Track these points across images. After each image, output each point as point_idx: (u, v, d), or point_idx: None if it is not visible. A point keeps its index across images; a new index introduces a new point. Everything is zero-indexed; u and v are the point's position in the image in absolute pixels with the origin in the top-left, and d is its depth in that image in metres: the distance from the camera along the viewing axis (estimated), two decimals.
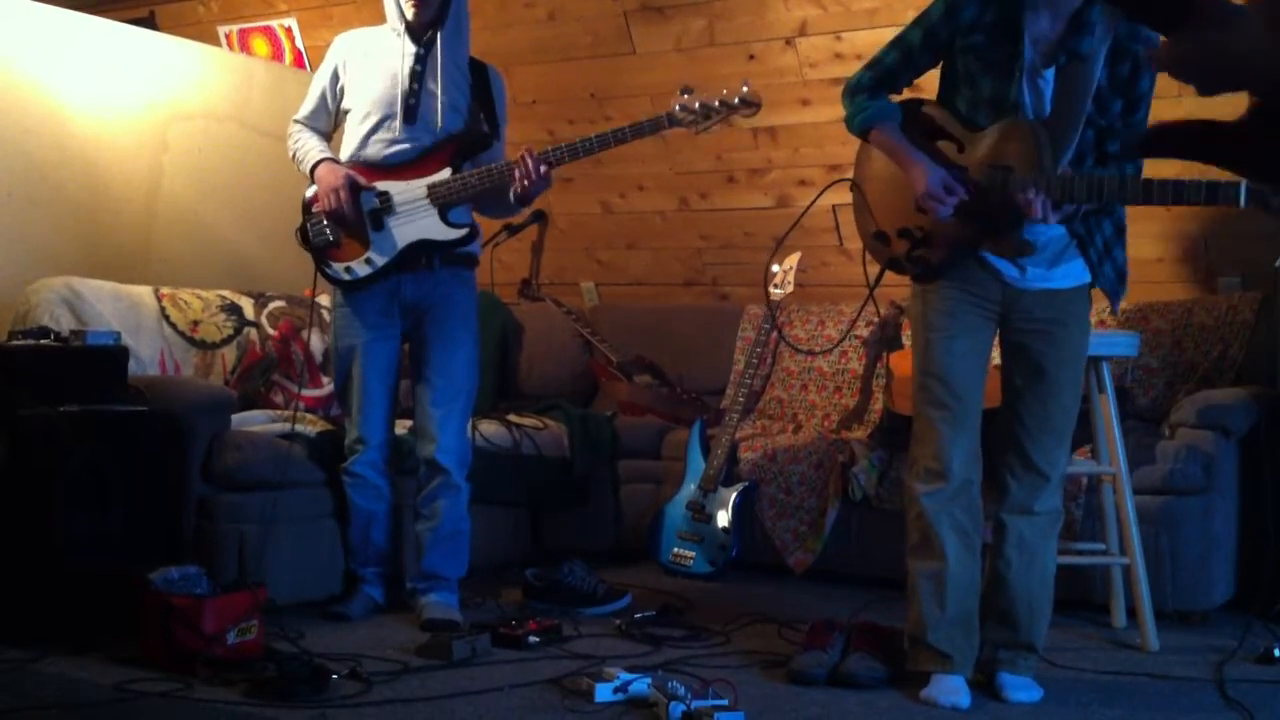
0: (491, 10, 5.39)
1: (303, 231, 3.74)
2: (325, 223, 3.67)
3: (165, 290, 4.39)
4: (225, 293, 4.55)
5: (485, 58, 3.84)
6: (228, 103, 4.98)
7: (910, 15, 3.12)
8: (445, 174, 3.60)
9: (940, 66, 3.00)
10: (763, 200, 5.41)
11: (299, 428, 3.88)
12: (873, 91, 2.99)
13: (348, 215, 3.61)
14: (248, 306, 4.53)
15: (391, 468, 3.84)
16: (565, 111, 5.58)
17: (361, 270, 3.65)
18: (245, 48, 6.15)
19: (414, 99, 3.61)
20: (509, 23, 5.41)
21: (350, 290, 3.69)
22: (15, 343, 3.57)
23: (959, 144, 2.91)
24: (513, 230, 5.67)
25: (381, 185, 3.63)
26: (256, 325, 4.50)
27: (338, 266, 3.68)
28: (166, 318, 4.29)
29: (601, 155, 5.53)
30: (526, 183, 3.51)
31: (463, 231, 3.64)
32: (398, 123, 3.61)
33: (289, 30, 6.03)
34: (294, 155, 3.78)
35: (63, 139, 4.47)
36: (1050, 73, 2.84)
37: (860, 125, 3.00)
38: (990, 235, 2.88)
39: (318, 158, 3.68)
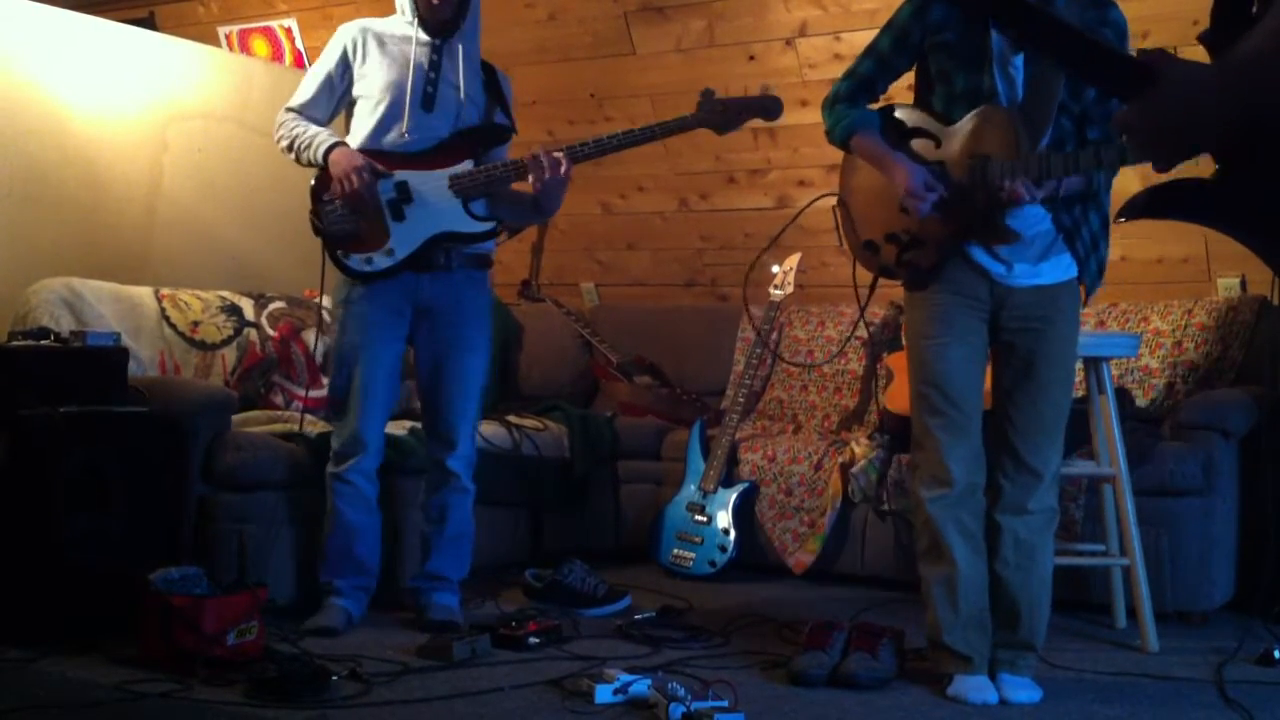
0: (491, 10, 5.34)
1: (316, 219, 3.57)
2: (341, 210, 3.52)
3: (165, 291, 4.39)
4: (225, 293, 4.55)
5: (485, 57, 3.83)
6: (227, 103, 4.98)
7: None
8: (468, 165, 3.53)
9: (914, 68, 3.03)
10: (763, 201, 5.41)
11: (297, 428, 3.88)
12: (850, 101, 3.04)
13: (366, 202, 3.48)
14: (248, 307, 4.53)
15: (381, 475, 3.72)
16: (565, 112, 5.58)
17: (383, 261, 3.51)
18: (245, 48, 6.15)
19: (432, 88, 3.54)
20: (509, 23, 5.41)
21: (366, 284, 3.55)
22: (15, 343, 3.57)
23: (935, 140, 2.93)
24: (513, 231, 5.67)
25: (399, 175, 3.52)
26: (257, 326, 4.49)
27: (357, 257, 3.53)
28: (167, 319, 4.29)
29: (602, 156, 5.57)
30: (539, 183, 3.44)
31: (489, 225, 3.56)
32: (415, 112, 3.52)
33: (289, 31, 6.03)
34: (292, 144, 3.58)
35: (63, 139, 4.47)
36: (1020, 60, 2.86)
37: (840, 135, 3.03)
38: (975, 227, 2.89)
39: (331, 142, 3.53)
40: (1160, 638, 3.49)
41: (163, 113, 4.81)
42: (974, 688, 2.93)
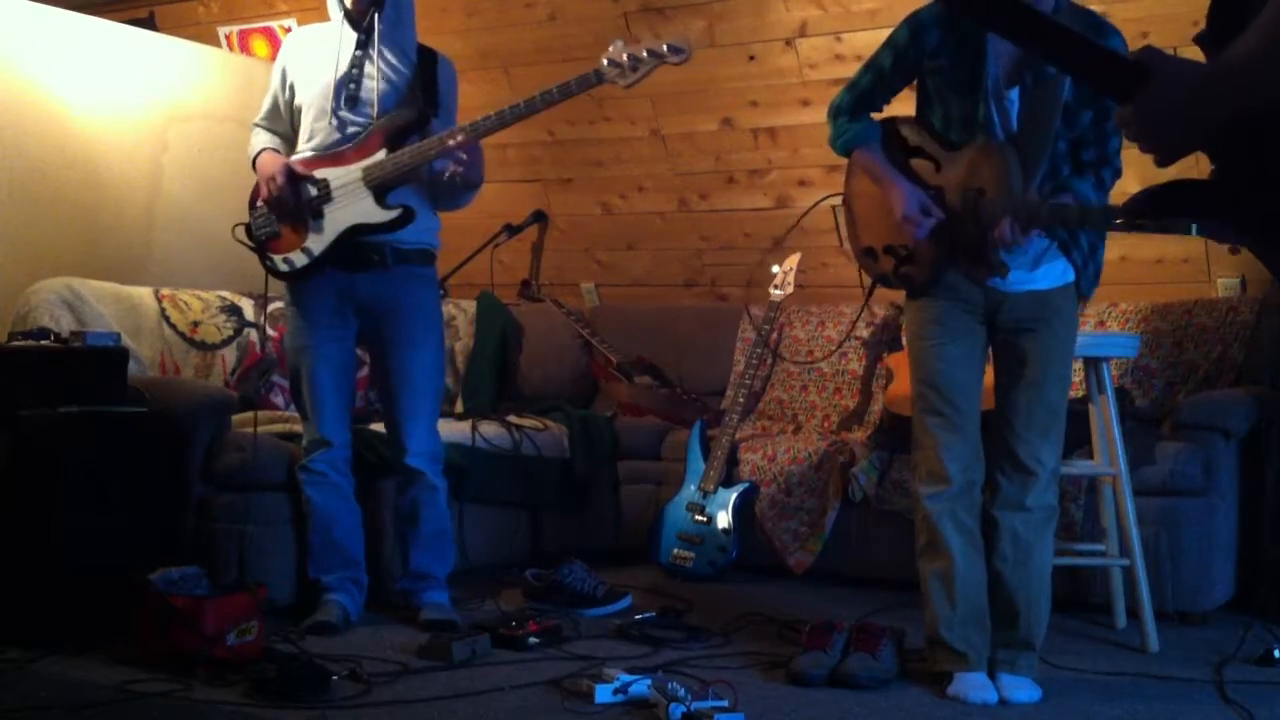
0: (491, 10, 5.39)
1: (247, 226, 3.67)
2: (267, 215, 3.60)
3: (165, 291, 4.39)
4: (225, 294, 4.55)
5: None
6: (228, 103, 4.99)
7: None
8: (380, 155, 3.53)
9: (916, 83, 3.06)
10: (763, 201, 5.41)
11: (298, 428, 3.88)
12: (853, 113, 3.09)
13: (287, 203, 3.54)
14: (248, 307, 4.53)
15: (352, 467, 3.73)
16: (565, 112, 5.56)
17: (299, 260, 3.56)
18: (245, 48, 6.15)
19: (354, 84, 3.56)
20: (509, 23, 5.41)
21: (294, 282, 3.61)
22: (15, 343, 3.57)
23: (936, 163, 2.97)
24: (513, 231, 5.67)
25: (321, 173, 3.55)
26: (256, 326, 4.50)
27: (276, 259, 3.60)
28: (166, 319, 4.29)
29: (602, 156, 5.59)
30: (456, 167, 3.45)
31: (396, 212, 3.52)
32: (340, 110, 3.56)
33: (289, 31, 6.02)
34: (250, 157, 3.72)
35: (63, 139, 4.47)
36: (1015, 93, 2.89)
37: (843, 147, 3.10)
38: (966, 257, 2.92)
39: (258, 149, 3.64)
40: (1160, 638, 3.49)
41: (163, 113, 4.81)
42: (974, 687, 2.94)
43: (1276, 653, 3.30)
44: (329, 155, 3.57)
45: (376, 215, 3.53)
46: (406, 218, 3.54)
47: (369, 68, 3.58)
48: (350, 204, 3.53)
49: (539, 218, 5.81)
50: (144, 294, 4.31)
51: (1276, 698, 3.00)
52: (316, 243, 3.56)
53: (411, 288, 3.65)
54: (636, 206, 5.70)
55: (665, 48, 3.35)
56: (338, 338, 3.64)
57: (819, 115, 5.10)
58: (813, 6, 4.86)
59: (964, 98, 2.90)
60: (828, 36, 4.90)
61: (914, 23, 2.97)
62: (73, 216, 4.49)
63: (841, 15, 4.83)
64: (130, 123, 4.70)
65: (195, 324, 4.35)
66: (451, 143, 3.42)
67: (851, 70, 3.19)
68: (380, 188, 3.52)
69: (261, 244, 3.64)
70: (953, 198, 2.91)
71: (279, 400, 4.38)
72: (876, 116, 3.11)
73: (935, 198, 2.93)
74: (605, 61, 3.38)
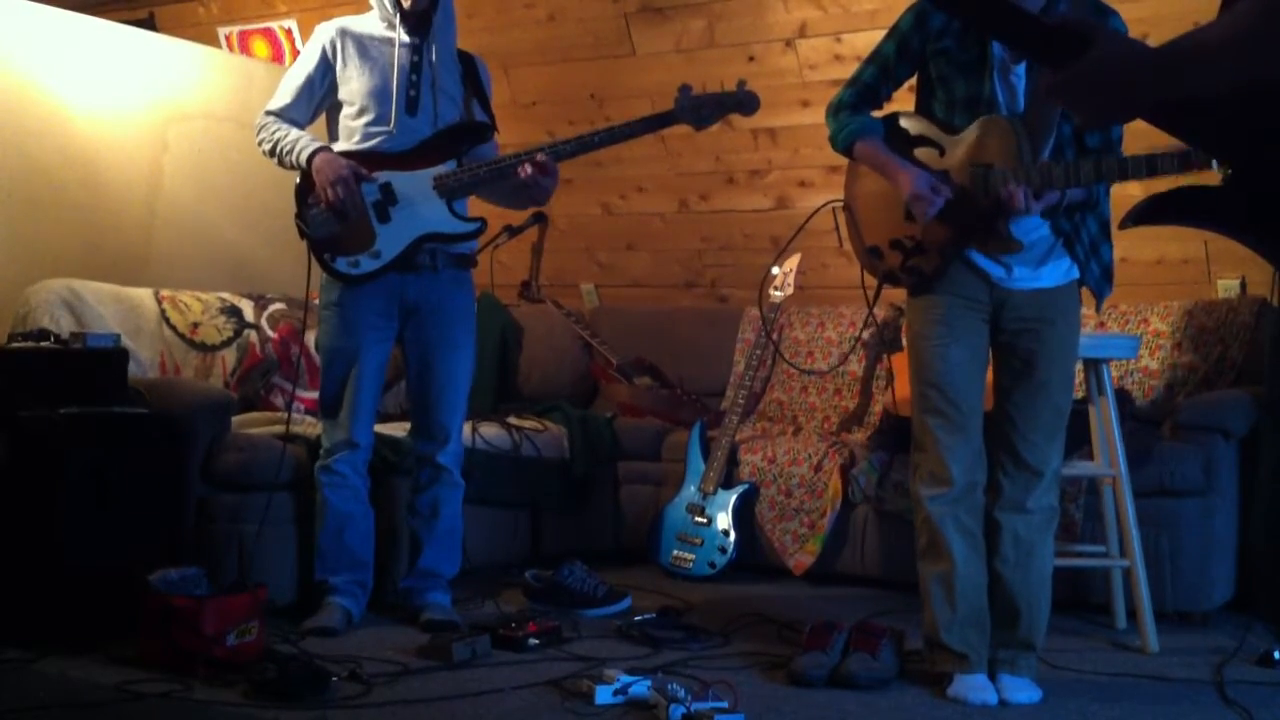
0: (491, 10, 5.39)
1: (301, 223, 3.59)
2: (326, 213, 3.53)
3: (165, 292, 4.39)
4: (225, 295, 4.55)
5: (485, 58, 3.83)
6: (227, 103, 4.98)
7: None
8: (450, 165, 3.56)
9: (915, 79, 3.05)
10: (762, 202, 5.41)
11: (297, 429, 3.88)
12: (855, 108, 3.06)
13: (351, 207, 3.51)
14: (248, 309, 4.53)
15: (378, 475, 3.76)
16: (565, 112, 5.58)
17: (369, 264, 3.54)
18: (245, 49, 6.15)
19: (415, 90, 3.57)
20: (509, 23, 5.41)
21: (352, 286, 3.56)
22: (15, 345, 3.57)
23: (940, 148, 2.95)
24: (513, 232, 5.66)
25: (382, 176, 3.54)
26: (256, 327, 4.49)
27: (344, 260, 3.55)
28: (166, 320, 4.29)
29: (602, 157, 5.58)
30: (531, 180, 3.49)
31: (474, 225, 3.61)
32: (397, 113, 3.55)
33: (289, 32, 6.03)
34: (275, 147, 3.59)
35: (63, 140, 4.47)
36: (1021, 68, 2.87)
37: (844, 142, 3.06)
38: (977, 234, 2.90)
39: (314, 147, 3.54)
40: (1160, 638, 3.49)
41: (163, 113, 4.81)
42: (974, 688, 2.94)
43: (1276, 654, 3.29)
44: (388, 159, 3.55)
45: (453, 225, 3.58)
46: (481, 230, 3.63)
47: (427, 71, 3.59)
48: (421, 211, 3.54)
49: (539, 219, 5.80)
50: (144, 295, 4.31)
51: (1276, 698, 3.00)
52: (388, 247, 3.54)
53: (455, 291, 3.69)
54: (636, 207, 5.71)
55: (736, 98, 3.52)
56: (382, 339, 3.64)
57: (819, 116, 5.08)
58: (812, 7, 4.87)
59: (969, 77, 2.89)
60: (827, 37, 4.90)
61: (918, 8, 2.96)
62: (73, 216, 4.48)
63: (841, 16, 4.83)
64: (130, 123, 4.70)
65: (195, 325, 4.35)
66: (533, 166, 3.47)
67: (852, 71, 3.18)
68: (451, 198, 3.56)
69: (322, 243, 3.58)
70: (960, 177, 2.89)
71: (279, 401, 4.38)
72: (877, 114, 3.09)
73: (942, 179, 2.90)
74: (679, 104, 3.54)
